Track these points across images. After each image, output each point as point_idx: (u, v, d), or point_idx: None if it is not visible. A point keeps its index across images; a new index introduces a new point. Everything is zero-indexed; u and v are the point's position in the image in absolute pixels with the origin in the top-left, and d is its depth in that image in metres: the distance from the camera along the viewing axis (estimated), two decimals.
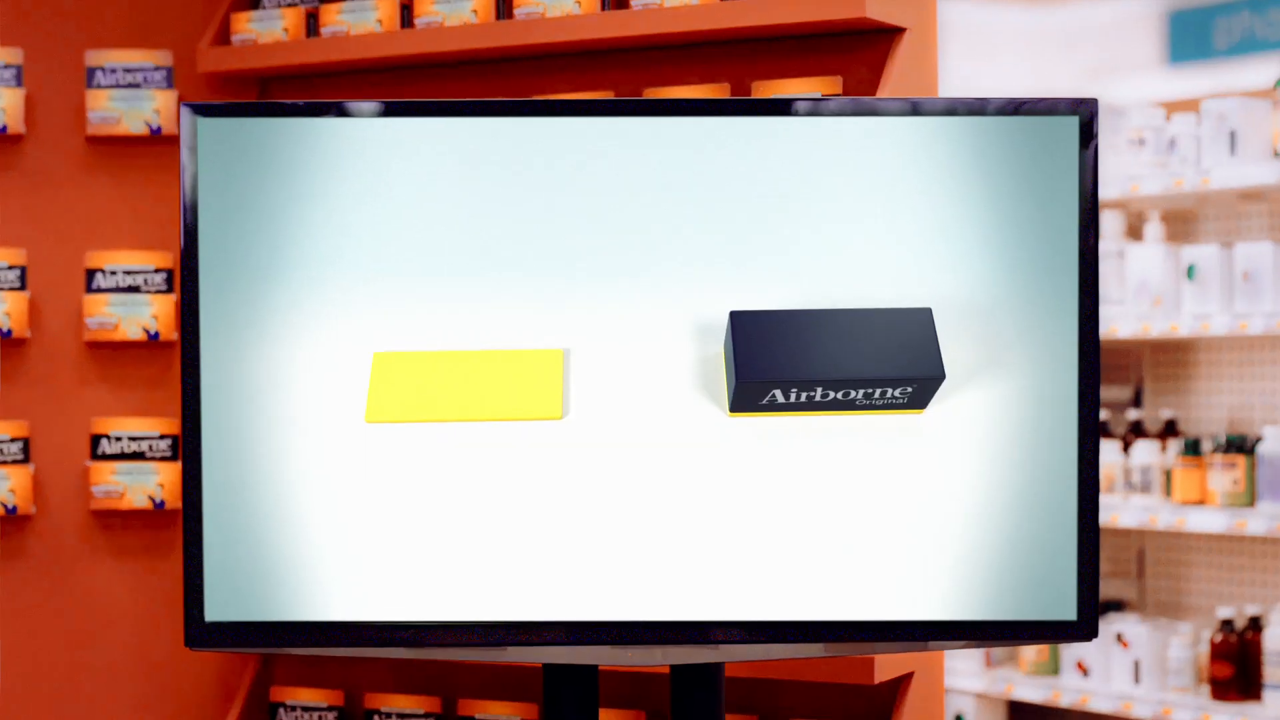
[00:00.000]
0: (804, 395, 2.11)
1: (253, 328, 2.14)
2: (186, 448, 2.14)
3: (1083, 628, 2.14)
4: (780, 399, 2.11)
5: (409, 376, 2.13)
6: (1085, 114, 2.14)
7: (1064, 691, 4.90)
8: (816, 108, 2.15)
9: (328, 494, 2.13)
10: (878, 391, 2.10)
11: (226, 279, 2.15)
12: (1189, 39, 6.42)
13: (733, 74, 2.70)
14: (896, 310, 2.11)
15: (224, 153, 2.15)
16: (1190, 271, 4.66)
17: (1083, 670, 4.88)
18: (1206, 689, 4.65)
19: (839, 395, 2.11)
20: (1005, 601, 2.12)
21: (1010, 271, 2.13)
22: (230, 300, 2.14)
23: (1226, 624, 4.57)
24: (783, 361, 2.09)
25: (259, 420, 2.14)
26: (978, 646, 2.18)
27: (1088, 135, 2.14)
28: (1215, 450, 4.60)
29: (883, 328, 2.11)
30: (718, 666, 2.24)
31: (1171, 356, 5.12)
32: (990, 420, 2.12)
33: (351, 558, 2.12)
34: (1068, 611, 2.14)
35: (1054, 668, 5.00)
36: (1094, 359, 2.13)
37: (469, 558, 2.12)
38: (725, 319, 2.13)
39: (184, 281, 2.15)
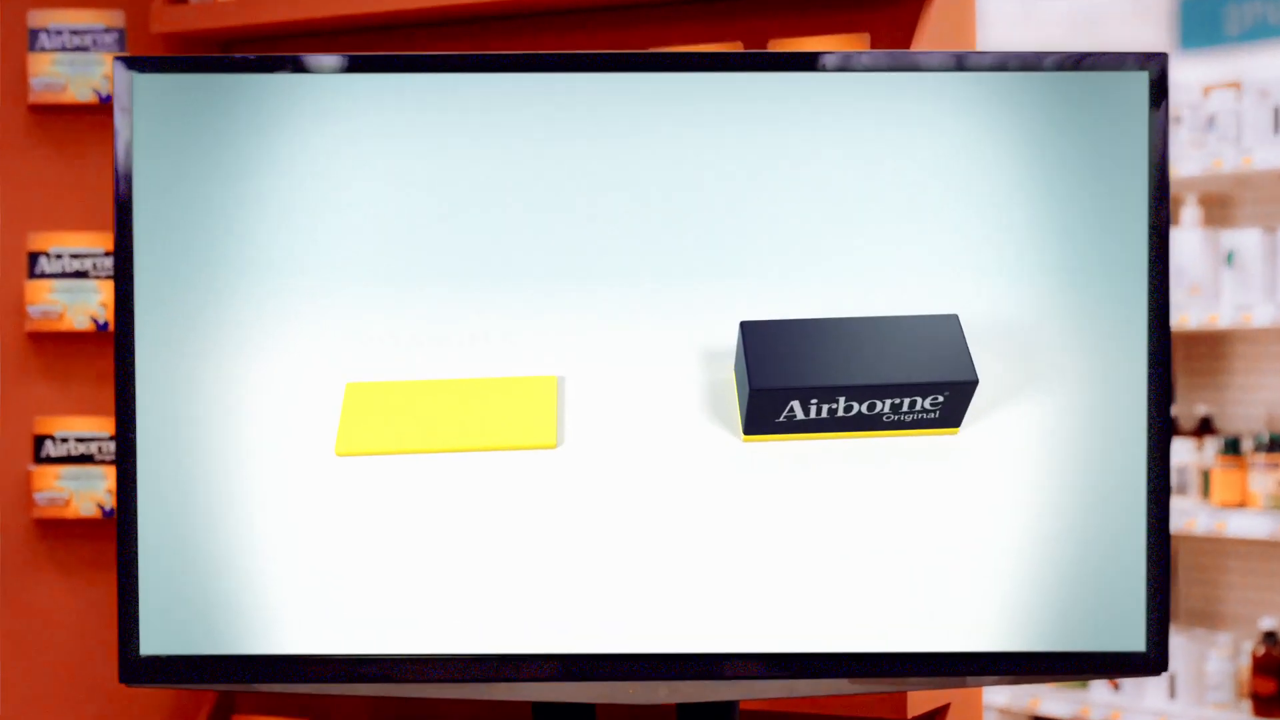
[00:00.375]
0: (825, 409, 1.97)
1: (200, 321, 2.01)
2: (120, 458, 2.01)
3: (1153, 660, 2.00)
4: (799, 414, 1.97)
5: (382, 407, 2.01)
6: (1155, 70, 1.99)
7: (1093, 707, 4.87)
8: (846, 62, 2.01)
9: (286, 514, 2.00)
10: (906, 403, 1.97)
11: (170, 264, 2.01)
12: (1200, 25, 6.48)
13: (746, 31, 2.57)
14: (921, 317, 2.00)
15: (166, 115, 2.02)
16: (1230, 258, 4.63)
17: (1114, 685, 4.86)
18: (1247, 705, 4.64)
19: (864, 408, 1.97)
20: (1060, 631, 1.99)
21: (1063, 259, 1.99)
22: (175, 289, 2.01)
23: (1269, 636, 4.57)
24: (800, 369, 1.97)
25: (207, 428, 2.00)
26: (1025, 682, 2.05)
27: (1159, 93, 1.99)
28: (1257, 449, 4.59)
29: (908, 334, 1.99)
30: (731, 705, 2.11)
31: (1207, 349, 5.09)
32: (1040, 431, 1.98)
33: (314, 585, 2.00)
34: (1134, 642, 1.99)
35: (1082, 681, 4.86)
36: (1165, 352, 1.99)
37: (449, 586, 2.00)
38: (735, 336, 2.00)
39: (118, 266, 2.01)
